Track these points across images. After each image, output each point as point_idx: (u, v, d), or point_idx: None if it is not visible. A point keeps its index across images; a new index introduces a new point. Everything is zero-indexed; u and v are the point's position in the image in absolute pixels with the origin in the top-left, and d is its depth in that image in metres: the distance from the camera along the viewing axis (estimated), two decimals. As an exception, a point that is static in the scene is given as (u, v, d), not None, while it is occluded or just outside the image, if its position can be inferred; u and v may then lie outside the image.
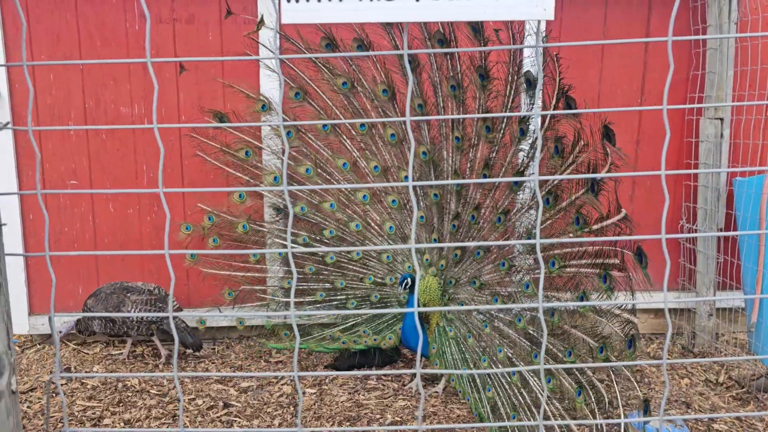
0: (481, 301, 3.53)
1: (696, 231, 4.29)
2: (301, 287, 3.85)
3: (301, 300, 3.87)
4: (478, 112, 3.43)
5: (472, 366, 3.30)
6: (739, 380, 3.81)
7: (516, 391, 3.10)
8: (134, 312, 3.77)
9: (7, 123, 3.90)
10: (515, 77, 3.35)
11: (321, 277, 3.83)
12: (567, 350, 3.12)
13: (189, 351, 4.01)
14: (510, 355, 3.25)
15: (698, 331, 4.29)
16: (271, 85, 4.07)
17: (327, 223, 3.78)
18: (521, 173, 3.43)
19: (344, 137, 3.70)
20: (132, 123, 4.12)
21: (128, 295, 3.86)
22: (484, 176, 3.47)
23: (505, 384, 3.13)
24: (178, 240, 4.09)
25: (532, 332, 3.22)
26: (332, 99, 3.70)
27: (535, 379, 3.05)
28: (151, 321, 3.86)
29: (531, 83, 3.33)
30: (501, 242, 1.19)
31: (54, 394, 3.60)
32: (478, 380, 3.22)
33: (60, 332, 3.85)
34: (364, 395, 3.60)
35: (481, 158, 3.50)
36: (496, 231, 3.52)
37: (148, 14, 1.00)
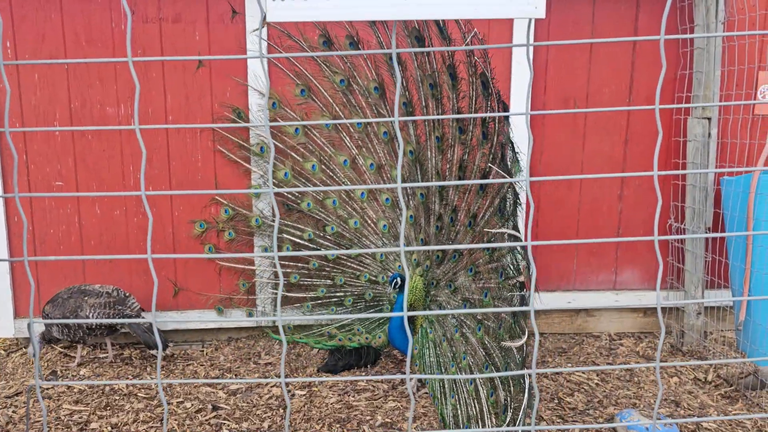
0: (454, 305, 3.54)
1: (684, 230, 4.31)
2: (305, 283, 3.95)
3: (304, 295, 3.96)
4: (452, 113, 3.47)
5: (443, 370, 3.30)
6: (727, 378, 3.82)
7: (471, 401, 3.10)
8: (93, 316, 3.72)
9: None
10: (474, 79, 3.37)
11: (323, 273, 3.91)
12: (504, 365, 3.14)
13: (153, 351, 4.04)
14: (471, 363, 3.26)
15: (687, 330, 4.31)
16: (259, 84, 4.05)
17: (329, 219, 3.85)
18: (485, 177, 3.45)
19: (344, 134, 3.77)
20: (119, 124, 4.07)
21: (86, 298, 3.79)
22: (460, 178, 3.51)
23: (465, 393, 3.14)
24: (191, 237, 4.18)
25: (487, 343, 3.22)
26: (333, 96, 3.76)
27: (483, 390, 3.07)
28: (108, 324, 3.81)
29: (485, 85, 3.35)
30: (486, 245, 1.17)
31: (35, 402, 3.55)
32: (446, 386, 3.22)
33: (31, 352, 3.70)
34: (354, 396, 3.58)
35: (457, 160, 3.54)
36: (467, 235, 3.54)
37: (129, 12, 0.98)
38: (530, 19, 1.02)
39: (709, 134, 4.16)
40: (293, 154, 3.89)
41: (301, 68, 3.82)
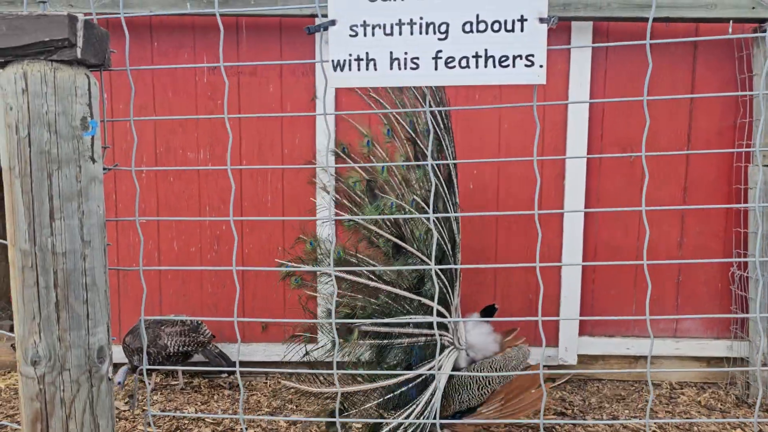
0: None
1: (747, 278, 4.25)
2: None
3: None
4: None
5: None
6: (795, 433, 3.71)
7: None
8: (171, 343, 4.02)
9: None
10: None
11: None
12: None
13: (224, 375, 4.41)
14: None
15: (752, 382, 4.20)
16: (323, 137, 4.33)
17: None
18: None
19: (412, 174, 3.94)
20: (197, 167, 4.44)
21: (163, 327, 4.12)
22: None
23: None
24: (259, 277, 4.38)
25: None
26: (406, 138, 3.95)
27: None
28: (185, 352, 4.12)
29: None
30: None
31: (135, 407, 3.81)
32: None
33: (119, 382, 3.94)
34: (408, 432, 3.67)
35: None
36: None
37: (226, 78, 1.21)
38: (535, 85, 1.19)
39: (771, 182, 4.14)
40: (379, 192, 4.08)
41: (386, 106, 4.02)
